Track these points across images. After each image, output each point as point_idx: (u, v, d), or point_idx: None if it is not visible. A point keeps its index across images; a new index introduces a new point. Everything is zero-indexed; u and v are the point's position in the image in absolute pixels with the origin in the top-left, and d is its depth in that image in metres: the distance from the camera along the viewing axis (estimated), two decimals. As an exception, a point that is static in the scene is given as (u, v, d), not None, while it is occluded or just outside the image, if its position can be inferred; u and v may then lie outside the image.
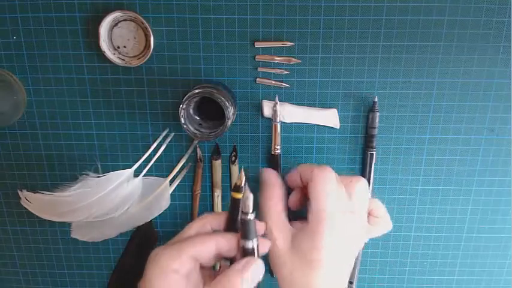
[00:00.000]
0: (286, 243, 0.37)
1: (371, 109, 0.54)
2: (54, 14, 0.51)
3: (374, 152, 0.55)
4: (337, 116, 0.55)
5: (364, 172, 0.56)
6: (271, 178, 0.44)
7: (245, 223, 0.32)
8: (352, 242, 0.39)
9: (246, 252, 0.33)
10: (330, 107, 0.55)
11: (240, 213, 0.34)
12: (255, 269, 0.32)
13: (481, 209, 0.59)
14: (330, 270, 0.36)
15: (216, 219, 0.36)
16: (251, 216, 0.32)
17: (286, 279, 0.36)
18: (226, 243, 0.33)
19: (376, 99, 0.53)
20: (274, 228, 0.38)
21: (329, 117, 0.55)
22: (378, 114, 0.54)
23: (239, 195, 0.33)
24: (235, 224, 0.34)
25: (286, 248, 0.37)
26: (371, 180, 0.56)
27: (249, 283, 0.31)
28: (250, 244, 0.32)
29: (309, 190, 0.36)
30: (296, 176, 0.43)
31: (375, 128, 0.54)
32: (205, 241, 0.33)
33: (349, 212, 0.39)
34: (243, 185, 0.33)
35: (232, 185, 0.35)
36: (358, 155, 0.57)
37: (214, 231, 0.35)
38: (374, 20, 0.51)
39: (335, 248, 0.36)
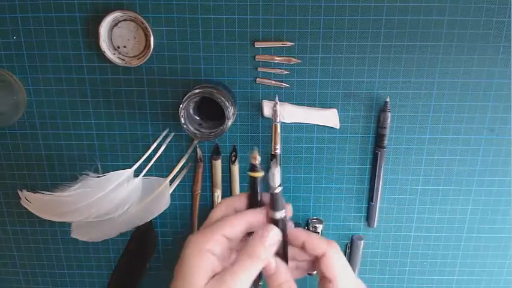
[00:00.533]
0: None
1: (382, 109, 0.54)
2: (54, 14, 0.51)
3: (384, 152, 0.55)
4: (337, 116, 0.55)
5: (373, 171, 0.57)
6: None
7: (274, 196, 0.35)
8: None
9: (276, 223, 0.35)
10: (330, 107, 0.55)
11: (258, 189, 0.36)
12: (273, 235, 0.34)
13: (481, 209, 0.59)
14: None
15: (237, 201, 0.38)
16: (278, 189, 0.35)
17: None
18: (255, 219, 0.36)
19: (388, 99, 0.53)
20: None
21: (329, 117, 0.55)
22: (389, 114, 0.54)
23: (256, 174, 0.35)
24: (257, 202, 0.36)
25: None
26: (381, 180, 0.56)
27: (268, 249, 0.34)
28: (278, 215, 0.35)
29: (323, 265, 0.36)
30: (298, 237, 0.39)
31: (386, 127, 0.54)
32: (236, 221, 0.35)
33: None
34: (258, 164, 0.35)
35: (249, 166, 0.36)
36: (358, 155, 0.57)
37: (241, 211, 0.37)
38: (374, 20, 0.51)
39: None
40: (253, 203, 0.37)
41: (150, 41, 0.51)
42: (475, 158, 0.57)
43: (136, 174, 0.55)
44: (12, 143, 0.57)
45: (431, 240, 0.61)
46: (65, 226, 0.58)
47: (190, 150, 0.57)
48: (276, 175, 0.34)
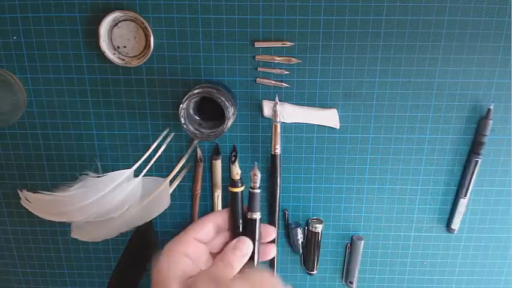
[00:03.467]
0: None
1: (485, 116, 0.54)
2: (54, 14, 0.51)
3: (479, 160, 0.55)
4: (337, 116, 0.55)
5: (463, 179, 0.56)
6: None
7: (252, 196, 0.37)
8: None
9: (252, 224, 0.38)
10: (330, 107, 0.55)
11: (239, 204, 0.38)
12: (245, 246, 0.37)
13: (481, 209, 0.59)
14: None
15: (219, 216, 0.39)
16: (257, 191, 0.38)
17: None
18: (220, 218, 0.38)
19: (491, 107, 0.53)
20: None
21: (329, 117, 0.55)
22: (491, 121, 0.53)
23: (236, 189, 0.38)
24: (238, 216, 0.38)
25: None
26: (470, 187, 0.56)
27: (240, 260, 0.36)
28: (255, 216, 0.37)
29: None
30: None
31: (485, 135, 0.54)
32: (203, 223, 0.38)
33: None
34: (239, 179, 0.38)
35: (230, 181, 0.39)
36: (358, 155, 0.57)
37: (210, 213, 0.40)
38: (374, 20, 0.51)
39: None
40: (235, 218, 0.38)
41: (150, 41, 0.51)
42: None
43: (136, 174, 0.55)
44: (12, 143, 0.57)
45: (431, 240, 0.61)
46: (65, 226, 0.58)
47: (190, 150, 0.57)
48: (258, 177, 0.37)
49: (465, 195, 0.57)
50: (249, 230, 0.38)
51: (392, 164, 0.57)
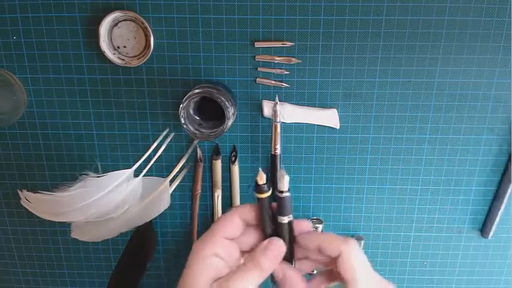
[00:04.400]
0: None
1: None
2: (54, 14, 0.51)
3: None
4: (337, 116, 0.55)
5: (503, 179, 0.56)
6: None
7: (280, 200, 0.35)
8: None
9: (282, 228, 0.35)
10: (330, 107, 0.55)
11: (267, 207, 0.35)
12: (276, 248, 0.34)
13: (481, 209, 0.59)
14: None
15: (247, 212, 0.37)
16: (286, 194, 0.35)
17: None
18: (248, 212, 0.36)
19: None
20: None
21: (329, 117, 0.55)
22: None
23: (263, 195, 0.35)
24: (267, 223, 0.36)
25: None
26: (508, 191, 0.56)
27: (271, 261, 0.34)
28: (286, 220, 0.35)
29: (339, 266, 0.34)
30: (310, 241, 0.37)
31: None
32: (229, 218, 0.35)
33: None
34: (264, 183, 0.35)
35: (255, 186, 0.35)
36: (358, 155, 0.57)
37: (235, 207, 0.37)
38: (374, 20, 0.51)
39: None
40: (265, 223, 0.36)
41: (150, 41, 0.51)
42: (475, 158, 0.57)
43: (136, 174, 0.55)
44: (12, 143, 0.57)
45: (431, 240, 0.61)
46: (65, 226, 0.58)
47: (190, 150, 0.57)
48: (285, 179, 0.34)
49: (501, 201, 0.57)
50: (280, 232, 0.35)
51: (392, 164, 0.57)
